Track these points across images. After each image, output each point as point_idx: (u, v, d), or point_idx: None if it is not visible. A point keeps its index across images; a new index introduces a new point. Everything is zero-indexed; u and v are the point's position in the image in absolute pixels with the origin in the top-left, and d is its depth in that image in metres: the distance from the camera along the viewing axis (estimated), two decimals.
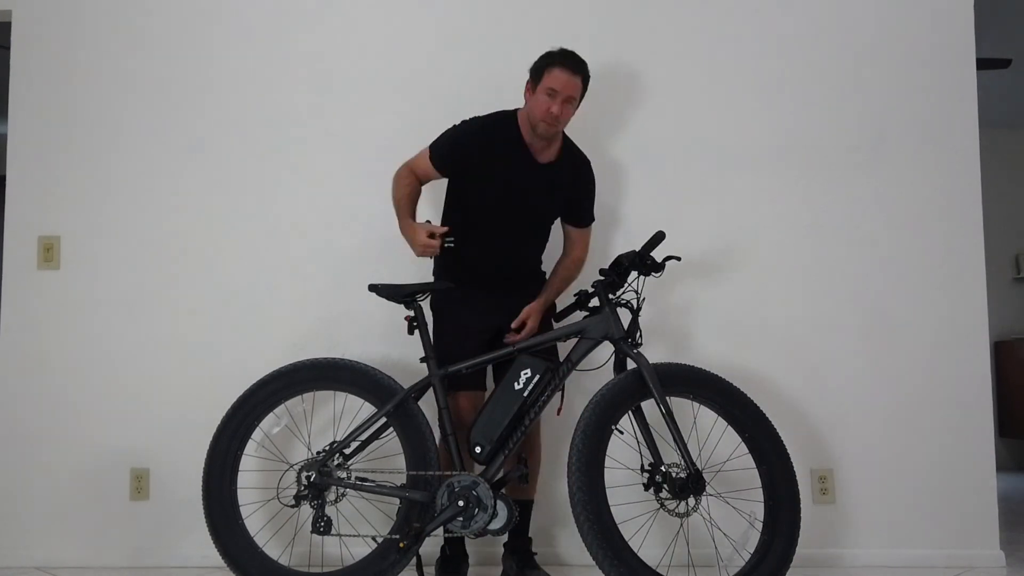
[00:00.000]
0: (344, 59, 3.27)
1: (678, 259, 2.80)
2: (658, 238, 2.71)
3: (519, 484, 2.68)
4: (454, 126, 2.80)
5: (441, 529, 2.58)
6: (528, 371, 2.60)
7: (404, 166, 2.85)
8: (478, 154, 2.73)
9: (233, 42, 3.28)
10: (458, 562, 2.82)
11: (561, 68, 2.65)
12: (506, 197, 2.75)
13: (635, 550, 2.42)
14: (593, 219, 2.95)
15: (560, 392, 2.65)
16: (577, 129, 3.19)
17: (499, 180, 2.74)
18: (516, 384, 2.60)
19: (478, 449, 2.58)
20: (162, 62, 3.28)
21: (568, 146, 2.85)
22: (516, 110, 2.80)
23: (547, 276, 2.95)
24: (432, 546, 2.84)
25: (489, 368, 2.87)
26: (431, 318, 2.85)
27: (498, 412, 2.59)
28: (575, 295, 2.78)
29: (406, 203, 2.80)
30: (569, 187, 2.83)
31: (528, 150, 2.75)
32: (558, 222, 2.95)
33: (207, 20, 3.29)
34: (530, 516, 2.87)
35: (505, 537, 2.85)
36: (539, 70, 2.69)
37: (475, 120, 2.78)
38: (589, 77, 2.72)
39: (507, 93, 3.20)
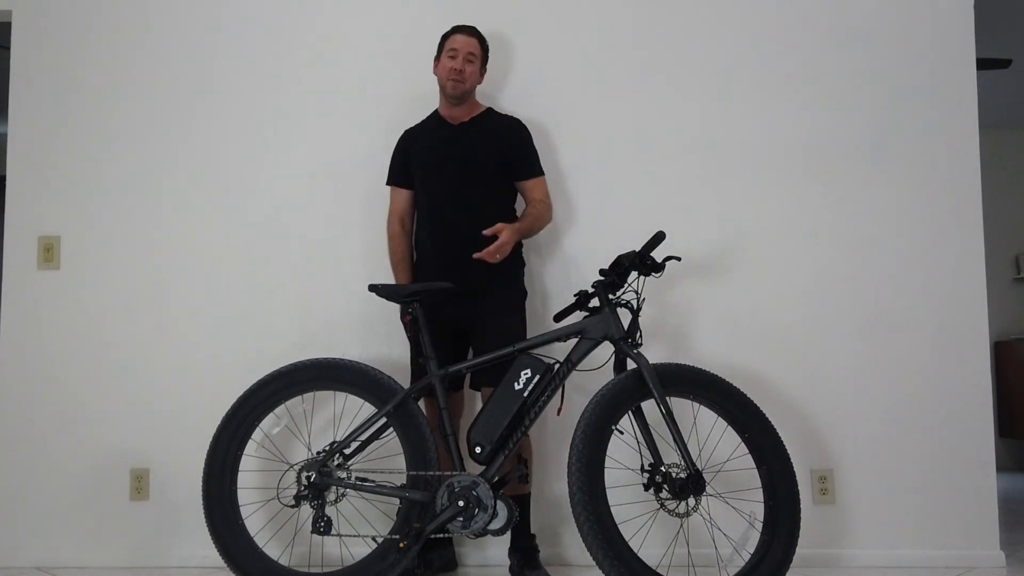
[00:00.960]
0: (345, 58, 3.27)
1: (678, 259, 2.80)
2: (658, 238, 2.71)
3: (520, 484, 2.68)
4: None
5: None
6: (528, 371, 2.60)
7: (387, 221, 3.06)
8: (408, 146, 3.02)
9: (233, 42, 3.28)
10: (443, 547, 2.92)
11: (457, 32, 2.97)
12: (431, 162, 2.95)
13: (635, 550, 2.41)
14: (540, 172, 3.02)
15: (560, 392, 2.65)
16: (578, 128, 3.20)
17: (424, 152, 2.97)
18: (516, 384, 2.60)
19: (478, 449, 2.58)
20: (162, 62, 3.28)
21: (491, 112, 3.05)
22: None
23: (523, 280, 3.01)
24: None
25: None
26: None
27: (498, 412, 2.59)
28: (575, 295, 2.77)
29: (401, 268, 3.00)
30: (495, 141, 2.95)
31: (444, 120, 3.00)
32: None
33: (207, 20, 3.29)
34: (529, 511, 2.88)
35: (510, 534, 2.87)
36: (440, 44, 2.99)
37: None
38: (486, 46, 3.01)
39: (507, 89, 3.22)
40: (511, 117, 3.06)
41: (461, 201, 2.89)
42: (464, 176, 2.91)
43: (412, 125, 3.07)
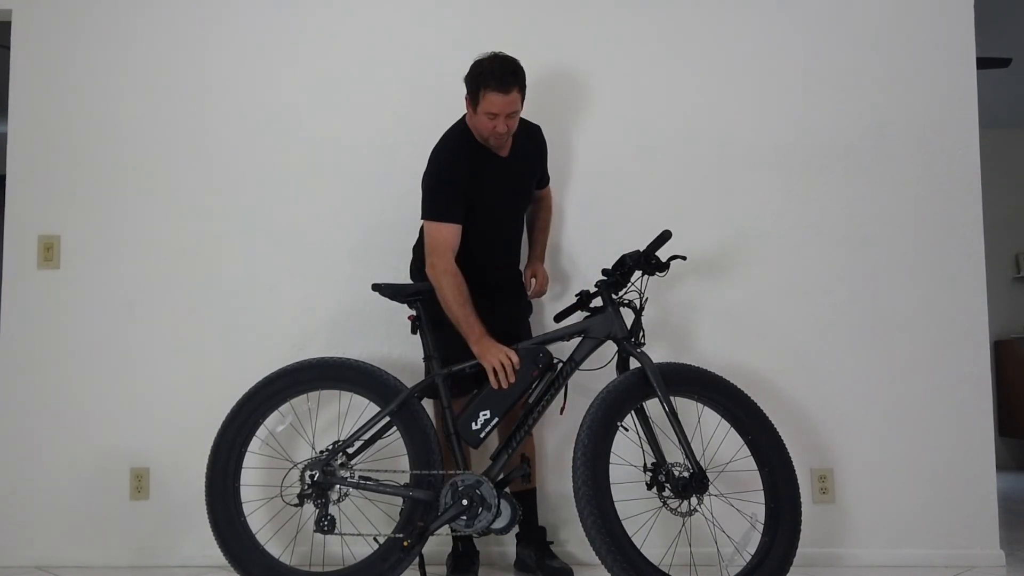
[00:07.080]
0: (344, 58, 3.27)
1: (683, 258, 2.78)
2: (664, 237, 2.70)
3: (522, 483, 2.68)
4: (431, 176, 2.74)
5: (448, 528, 2.58)
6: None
7: (435, 257, 2.66)
8: (468, 180, 2.73)
9: (232, 42, 3.28)
10: (470, 559, 2.83)
11: (494, 91, 2.59)
12: (492, 199, 2.80)
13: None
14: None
15: (563, 391, 2.65)
16: (578, 128, 3.20)
17: (482, 188, 2.76)
18: None
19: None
20: (161, 62, 3.27)
21: (520, 127, 2.81)
22: (463, 118, 2.78)
23: (521, 268, 3.03)
24: (434, 545, 2.85)
25: None
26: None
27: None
28: (577, 295, 2.78)
29: (469, 308, 2.63)
30: (533, 163, 2.93)
31: (489, 152, 2.77)
32: None
33: (206, 20, 3.29)
34: (536, 505, 2.90)
35: (517, 529, 2.88)
36: (474, 92, 2.63)
37: (442, 156, 2.75)
38: (524, 81, 2.65)
39: None
40: (533, 125, 2.93)
41: (511, 228, 2.92)
42: (516, 205, 2.91)
43: (445, 146, 2.76)
